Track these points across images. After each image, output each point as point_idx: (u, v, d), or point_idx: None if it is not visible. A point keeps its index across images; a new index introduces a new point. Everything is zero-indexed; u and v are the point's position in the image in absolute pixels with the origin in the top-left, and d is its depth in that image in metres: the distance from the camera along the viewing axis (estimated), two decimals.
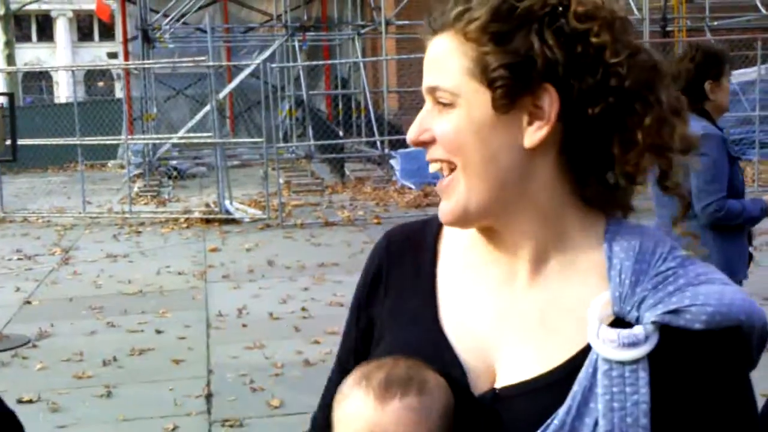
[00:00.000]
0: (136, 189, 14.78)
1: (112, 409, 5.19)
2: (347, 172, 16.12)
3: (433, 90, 1.06)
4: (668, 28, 15.73)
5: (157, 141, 16.32)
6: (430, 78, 1.07)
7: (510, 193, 1.05)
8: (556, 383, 1.00)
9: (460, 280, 1.14)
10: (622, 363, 0.97)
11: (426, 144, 1.07)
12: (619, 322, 0.99)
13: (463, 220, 1.07)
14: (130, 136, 15.13)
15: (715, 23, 18.36)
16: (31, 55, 43.16)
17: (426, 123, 1.07)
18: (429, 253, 1.17)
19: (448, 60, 1.05)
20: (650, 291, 0.99)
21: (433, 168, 1.08)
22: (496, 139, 1.03)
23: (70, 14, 46.02)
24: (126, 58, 20.53)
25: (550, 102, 1.02)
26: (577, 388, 0.99)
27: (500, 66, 1.01)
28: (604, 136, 1.02)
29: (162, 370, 5.86)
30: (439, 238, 1.18)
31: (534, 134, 1.03)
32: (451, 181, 1.06)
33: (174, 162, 17.97)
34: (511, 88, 1.01)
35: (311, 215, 12.25)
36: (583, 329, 1.00)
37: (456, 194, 1.05)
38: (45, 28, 47.02)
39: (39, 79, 42.85)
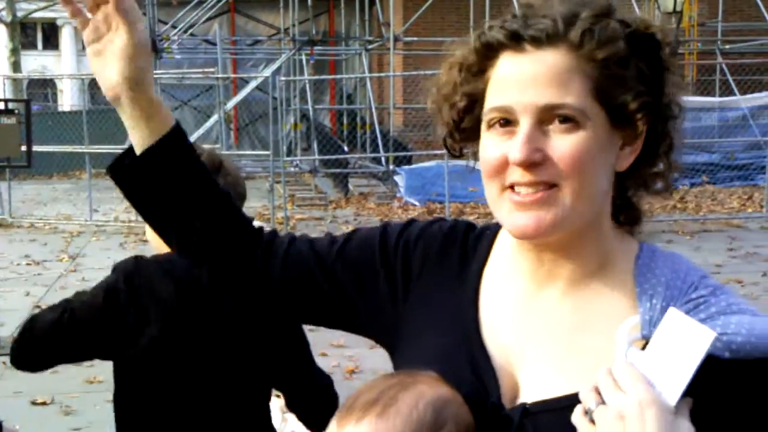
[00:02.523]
0: None
1: None
2: (351, 188, 16.19)
3: (552, 108, 1.02)
4: (680, 51, 15.85)
5: None
6: (546, 94, 1.01)
7: (595, 214, 1.07)
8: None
9: (499, 287, 1.15)
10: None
11: (533, 165, 1.02)
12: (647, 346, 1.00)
13: (550, 233, 1.04)
14: None
15: (727, 47, 18.48)
16: (36, 62, 43.28)
17: (536, 142, 1.02)
18: (481, 257, 1.18)
19: (571, 78, 1.02)
20: None
21: (523, 190, 1.04)
22: (606, 161, 1.05)
23: (76, 23, 46.21)
24: None
25: (640, 128, 1.06)
26: None
27: (629, 94, 1.03)
28: (644, 159, 1.09)
29: None
30: (493, 244, 1.20)
31: (627, 158, 1.07)
32: (549, 195, 1.03)
33: None
34: (632, 116, 1.04)
35: (315, 229, 12.30)
36: (610, 350, 1.00)
37: (556, 209, 1.03)
38: (50, 37, 47.17)
39: (44, 87, 42.97)
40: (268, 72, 16.10)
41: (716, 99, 17.06)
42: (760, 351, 0.96)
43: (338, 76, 20.02)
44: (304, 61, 18.52)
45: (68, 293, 8.62)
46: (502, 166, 1.05)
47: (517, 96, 1.03)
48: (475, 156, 1.14)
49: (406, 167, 14.63)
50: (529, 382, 1.07)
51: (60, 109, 33.64)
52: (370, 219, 13.33)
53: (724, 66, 17.12)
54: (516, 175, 1.03)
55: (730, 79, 16.98)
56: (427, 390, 1.04)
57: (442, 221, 1.25)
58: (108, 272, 2.15)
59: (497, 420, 1.06)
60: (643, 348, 0.98)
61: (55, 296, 8.42)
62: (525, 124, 1.02)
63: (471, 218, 13.63)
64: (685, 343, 0.92)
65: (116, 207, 15.10)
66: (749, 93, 16.46)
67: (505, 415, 1.06)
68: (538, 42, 1.03)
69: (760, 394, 0.99)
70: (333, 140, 17.54)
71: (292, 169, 17.33)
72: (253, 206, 14.32)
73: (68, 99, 36.71)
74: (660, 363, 0.94)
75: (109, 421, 5.13)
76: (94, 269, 9.66)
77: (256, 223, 1.30)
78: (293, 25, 19.01)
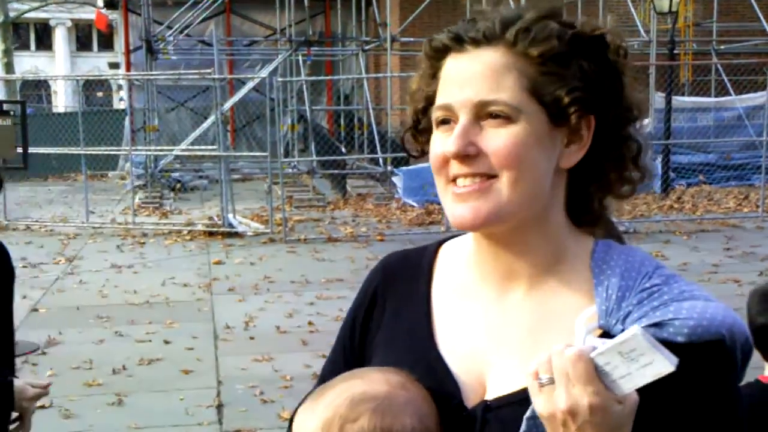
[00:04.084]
0: (137, 200, 14.80)
1: (123, 417, 5.22)
2: (349, 189, 16.18)
3: (485, 104, 1.05)
4: (675, 51, 15.87)
5: (160, 153, 16.35)
6: (480, 91, 1.06)
7: (537, 207, 1.09)
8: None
9: (454, 299, 1.18)
10: None
11: (467, 158, 1.07)
12: (604, 335, 1.02)
13: (489, 223, 1.08)
14: (133, 147, 15.15)
15: (722, 47, 18.54)
16: (29, 63, 43.15)
17: (470, 136, 1.06)
18: (424, 275, 1.22)
19: (505, 75, 1.05)
20: (635, 306, 1.03)
21: (462, 182, 1.08)
22: (545, 157, 1.08)
23: (69, 23, 46.03)
24: (128, 69, 20.60)
25: (587, 127, 1.08)
26: None
27: (563, 89, 1.06)
28: (607, 161, 1.11)
29: (172, 380, 5.89)
30: (435, 262, 1.24)
31: (572, 156, 1.09)
32: (488, 186, 1.06)
33: (176, 174, 18.01)
34: (566, 110, 1.06)
35: (314, 230, 12.29)
36: (569, 341, 1.01)
37: (492, 199, 1.06)
38: (43, 37, 47.04)
39: (37, 88, 42.86)
40: (264, 73, 16.07)
41: (712, 99, 17.11)
42: (711, 333, 0.99)
43: (335, 77, 19.99)
44: (300, 62, 18.51)
45: (66, 296, 8.68)
46: (445, 161, 1.09)
47: (456, 94, 1.08)
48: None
49: (404, 168, 14.62)
50: (495, 380, 1.10)
51: (54, 110, 33.57)
52: (368, 220, 13.32)
53: (719, 66, 17.16)
54: (455, 168, 1.08)
55: (726, 79, 17.03)
56: (359, 384, 1.08)
57: (376, 265, 1.30)
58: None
59: (461, 420, 1.09)
60: (600, 337, 1.00)
61: (53, 299, 8.41)
62: (461, 119, 1.07)
63: None
64: (643, 361, 0.93)
65: (113, 209, 15.09)
66: (744, 93, 16.52)
67: (467, 414, 1.09)
68: (477, 42, 1.08)
69: (714, 375, 1.02)
70: (330, 141, 17.53)
71: (290, 170, 17.33)
72: (251, 208, 14.32)
73: (62, 100, 36.66)
74: (613, 365, 0.95)
75: (109, 424, 5.14)
76: (92, 272, 9.64)
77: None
78: (289, 26, 19.00)
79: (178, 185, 17.38)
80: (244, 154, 18.67)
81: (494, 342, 1.12)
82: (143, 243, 11.66)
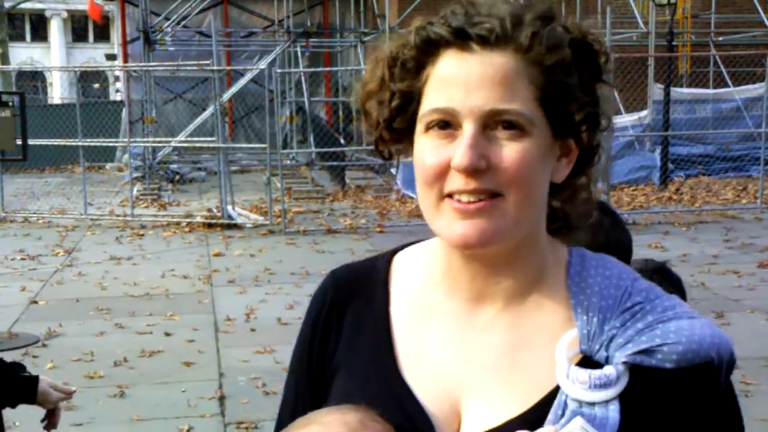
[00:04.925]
0: (135, 192, 14.78)
1: (125, 408, 5.21)
2: (347, 180, 16.16)
3: (497, 113, 0.95)
4: (674, 43, 15.86)
5: (158, 144, 16.31)
6: (492, 99, 0.95)
7: (535, 226, 1.02)
8: (527, 428, 0.95)
9: (417, 319, 1.07)
10: (592, 404, 0.94)
11: (476, 172, 0.95)
12: (586, 359, 0.97)
13: (493, 243, 0.98)
14: (131, 139, 15.12)
15: (720, 39, 18.54)
16: (24, 54, 43.01)
17: (481, 148, 0.95)
18: (380, 293, 1.10)
19: (518, 83, 0.96)
20: (619, 329, 0.97)
21: (465, 198, 0.97)
22: (547, 172, 1.01)
23: (65, 14, 45.87)
24: (125, 60, 20.53)
25: (585, 140, 1.02)
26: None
27: (573, 103, 0.98)
28: (580, 171, 1.05)
29: (173, 371, 5.88)
30: (390, 277, 1.12)
31: (564, 170, 1.02)
32: (494, 205, 0.96)
33: (174, 166, 17.98)
34: (577, 126, 1.00)
35: (313, 222, 12.28)
36: (551, 369, 0.97)
37: (498, 219, 0.97)
38: (39, 28, 46.87)
39: (33, 80, 42.73)
40: (263, 64, 16.03)
41: (710, 91, 17.11)
42: (701, 357, 0.95)
43: (334, 68, 19.94)
44: (299, 53, 18.46)
45: (65, 288, 8.66)
46: (443, 172, 0.97)
47: (462, 98, 0.95)
48: (404, 157, 1.08)
49: (404, 159, 14.58)
50: (472, 413, 1.01)
51: (50, 101, 33.48)
52: (367, 212, 13.31)
53: (717, 58, 17.16)
54: (457, 182, 0.96)
55: (724, 70, 17.04)
56: (316, 431, 1.00)
57: (325, 282, 1.17)
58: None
59: None
60: (582, 362, 0.97)
61: (52, 291, 8.40)
62: (469, 128, 0.95)
63: None
64: None
65: (111, 201, 15.06)
66: (743, 85, 16.52)
67: None
68: (485, 42, 0.96)
69: (704, 396, 0.98)
70: (329, 133, 17.50)
71: (289, 162, 17.30)
72: (249, 199, 14.30)
73: (58, 91, 36.56)
74: None
75: (111, 416, 5.13)
76: (91, 264, 9.62)
77: None
78: (287, 17, 18.95)
79: (177, 177, 17.36)
80: (243, 145, 18.64)
81: (467, 366, 1.02)
82: (142, 235, 11.64)
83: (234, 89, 16.86)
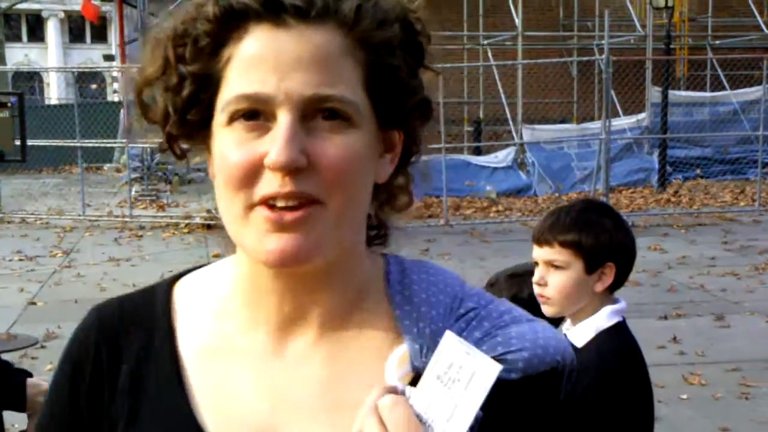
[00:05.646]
0: (133, 193, 14.77)
1: None
2: None
3: (319, 100, 0.80)
4: (671, 46, 15.92)
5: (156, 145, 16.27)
6: (312, 82, 0.80)
7: (357, 236, 0.89)
8: None
9: (212, 358, 0.90)
10: None
11: (296, 171, 0.79)
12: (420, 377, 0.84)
13: (310, 261, 0.82)
14: (129, 140, 15.10)
15: (717, 42, 18.61)
16: (21, 55, 42.99)
17: (301, 142, 0.79)
18: (162, 330, 0.92)
19: (342, 64, 0.81)
20: None
21: (282, 203, 0.80)
22: (371, 171, 0.86)
23: (62, 15, 45.85)
24: (123, 61, 20.51)
25: (418, 132, 0.90)
26: None
27: (402, 89, 0.85)
28: (401, 169, 0.92)
29: None
30: (172, 310, 0.94)
31: (386, 168, 0.88)
32: (310, 214, 0.81)
33: (172, 167, 17.95)
34: (407, 116, 0.87)
35: None
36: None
37: (317, 231, 0.81)
38: (35, 29, 46.83)
39: (30, 80, 42.69)
40: None
41: (707, 94, 17.16)
42: (547, 363, 0.85)
43: None
44: None
45: (64, 289, 8.66)
46: (253, 173, 0.80)
47: (276, 83, 0.79)
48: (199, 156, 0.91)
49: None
50: None
51: (47, 102, 33.46)
52: None
53: (714, 61, 17.22)
54: (273, 184, 0.79)
55: (721, 74, 17.10)
56: None
57: (87, 322, 0.96)
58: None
59: None
60: (415, 381, 0.83)
61: (50, 292, 8.37)
62: (285, 118, 0.79)
63: (468, 212, 13.43)
64: (465, 376, 0.78)
65: (109, 202, 15.03)
66: (740, 88, 16.58)
67: None
68: (303, 15, 0.80)
69: (549, 403, 0.88)
70: None
71: None
72: None
73: (55, 92, 36.56)
74: (437, 399, 0.79)
75: None
76: (89, 265, 9.60)
77: None
78: None
79: (175, 178, 17.34)
80: None
81: (277, 409, 0.87)
82: (140, 236, 11.63)
83: None
